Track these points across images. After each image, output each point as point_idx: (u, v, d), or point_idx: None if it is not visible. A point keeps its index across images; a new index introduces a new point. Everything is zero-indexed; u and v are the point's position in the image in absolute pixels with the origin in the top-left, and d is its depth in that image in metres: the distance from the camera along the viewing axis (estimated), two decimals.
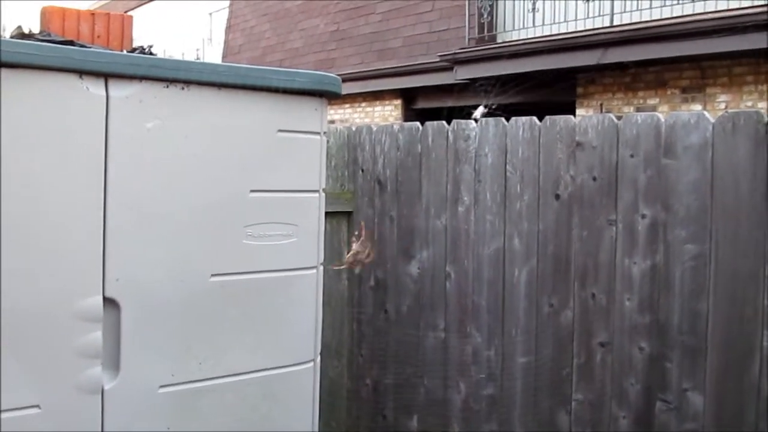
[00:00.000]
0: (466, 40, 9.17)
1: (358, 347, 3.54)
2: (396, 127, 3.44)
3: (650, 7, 7.33)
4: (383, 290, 3.44)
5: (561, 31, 8.08)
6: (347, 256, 3.17)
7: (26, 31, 2.46)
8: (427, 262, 3.27)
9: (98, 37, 2.66)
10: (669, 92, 7.61)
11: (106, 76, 2.05)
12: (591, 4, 7.93)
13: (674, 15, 7.09)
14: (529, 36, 8.47)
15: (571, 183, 2.81)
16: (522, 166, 2.95)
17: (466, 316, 3.15)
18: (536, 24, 8.44)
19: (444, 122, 3.22)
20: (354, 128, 3.60)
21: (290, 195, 2.45)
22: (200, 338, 2.28)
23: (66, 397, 2.05)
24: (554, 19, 8.21)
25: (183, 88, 2.18)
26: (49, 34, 2.45)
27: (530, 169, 2.92)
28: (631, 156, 2.65)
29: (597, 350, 2.74)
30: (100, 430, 2.11)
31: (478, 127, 3.09)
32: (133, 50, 2.59)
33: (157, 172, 2.16)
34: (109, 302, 2.10)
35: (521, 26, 8.74)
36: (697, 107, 7.22)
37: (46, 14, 2.58)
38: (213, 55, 15.41)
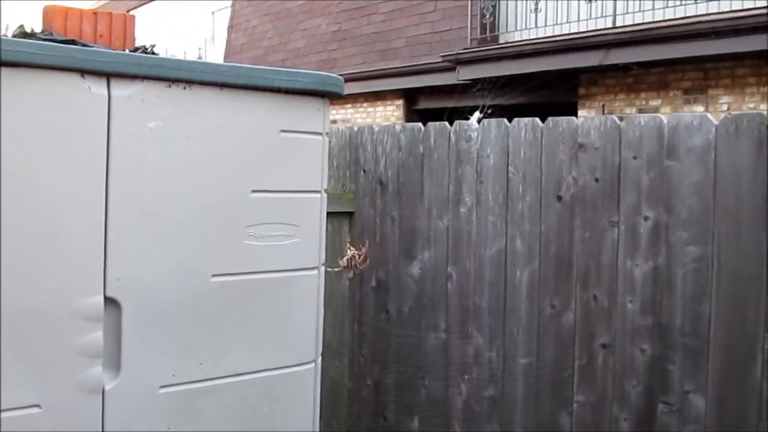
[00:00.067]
0: (469, 40, 9.16)
1: (359, 347, 3.54)
2: (398, 127, 3.43)
3: (653, 9, 7.32)
4: (385, 291, 3.44)
5: (563, 32, 8.06)
6: (342, 261, 3.17)
7: (28, 30, 2.46)
8: (429, 263, 3.27)
9: (100, 36, 2.66)
10: (671, 94, 7.60)
11: (109, 76, 2.06)
12: (594, 4, 7.92)
13: (677, 16, 7.08)
14: (532, 37, 8.46)
15: (574, 184, 2.81)
16: (524, 167, 2.94)
17: (467, 316, 3.14)
18: (539, 25, 8.43)
19: (446, 123, 3.22)
20: (356, 128, 3.60)
21: (292, 195, 2.44)
22: (201, 338, 2.28)
23: (66, 396, 2.05)
24: (557, 20, 8.19)
25: (185, 88, 2.18)
26: (52, 34, 2.45)
27: (532, 170, 2.92)
28: (634, 157, 2.65)
29: (599, 352, 2.74)
30: (100, 430, 2.10)
31: (481, 128, 3.09)
32: (136, 50, 2.59)
33: (159, 172, 2.16)
34: (110, 302, 2.09)
35: (524, 27, 8.73)
36: (700, 109, 7.21)
37: (48, 13, 2.58)
38: (215, 54, 15.41)
